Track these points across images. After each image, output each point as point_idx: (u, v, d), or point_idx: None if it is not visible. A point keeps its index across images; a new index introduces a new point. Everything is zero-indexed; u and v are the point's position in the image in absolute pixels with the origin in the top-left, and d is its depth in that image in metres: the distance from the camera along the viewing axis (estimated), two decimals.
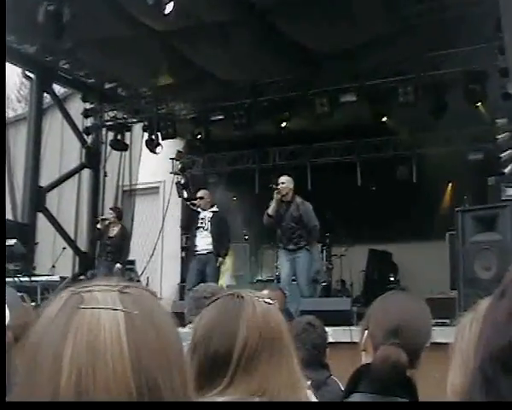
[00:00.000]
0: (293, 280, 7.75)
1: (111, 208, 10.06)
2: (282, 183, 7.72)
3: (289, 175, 7.92)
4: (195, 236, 8.53)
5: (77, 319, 0.68)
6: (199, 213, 8.60)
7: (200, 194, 8.76)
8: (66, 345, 0.66)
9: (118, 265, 9.34)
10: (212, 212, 8.55)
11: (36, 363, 0.66)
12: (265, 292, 4.62)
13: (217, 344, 1.21)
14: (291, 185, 7.74)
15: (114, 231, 9.55)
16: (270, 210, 7.67)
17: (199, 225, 8.51)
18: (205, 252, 8.32)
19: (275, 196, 7.65)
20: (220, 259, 8.37)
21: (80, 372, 0.64)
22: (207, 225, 8.47)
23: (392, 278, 10.76)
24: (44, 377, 0.65)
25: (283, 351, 1.21)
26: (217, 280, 8.06)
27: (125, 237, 9.72)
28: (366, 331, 1.67)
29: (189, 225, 8.99)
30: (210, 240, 8.34)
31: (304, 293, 7.53)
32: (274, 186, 7.70)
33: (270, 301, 1.28)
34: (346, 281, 10.63)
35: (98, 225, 9.55)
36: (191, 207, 8.76)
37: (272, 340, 1.21)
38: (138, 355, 0.66)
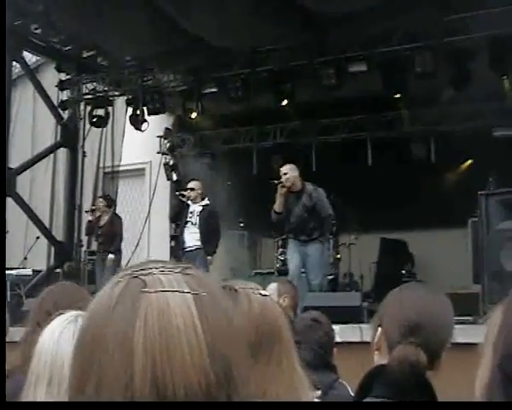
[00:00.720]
0: (303, 273, 7.79)
1: (100, 196, 10.21)
2: (285, 173, 7.69)
3: (291, 162, 7.89)
4: (183, 231, 8.64)
5: (143, 304, 0.68)
6: (188, 205, 8.71)
7: (190, 185, 8.83)
8: (137, 332, 0.67)
9: (110, 256, 9.47)
10: (203, 205, 8.65)
11: (100, 354, 0.67)
12: (274, 285, 4.62)
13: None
14: (295, 173, 7.71)
15: (104, 219, 9.67)
16: (277, 206, 7.65)
17: (188, 219, 8.60)
18: (194, 248, 8.44)
19: (279, 190, 7.60)
20: (209, 258, 8.45)
21: (155, 360, 0.65)
22: (196, 219, 8.57)
23: (406, 271, 10.80)
24: (114, 368, 0.65)
25: (283, 349, 1.23)
26: None
27: (116, 225, 9.86)
28: (379, 329, 1.68)
29: (177, 217, 9.02)
30: (199, 236, 8.46)
31: (314, 288, 7.59)
32: (275, 182, 7.65)
33: (266, 294, 1.28)
34: (354, 273, 10.68)
35: (89, 217, 9.75)
36: (180, 198, 8.80)
37: (271, 337, 1.23)
38: (213, 340, 0.68)
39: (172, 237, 11.71)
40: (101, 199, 10.02)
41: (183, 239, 8.64)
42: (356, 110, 10.91)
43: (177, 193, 8.90)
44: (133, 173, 12.76)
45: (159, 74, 10.96)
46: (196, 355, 0.66)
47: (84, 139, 11.29)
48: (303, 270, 7.84)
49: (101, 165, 11.55)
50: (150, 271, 0.71)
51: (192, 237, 8.50)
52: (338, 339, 5.78)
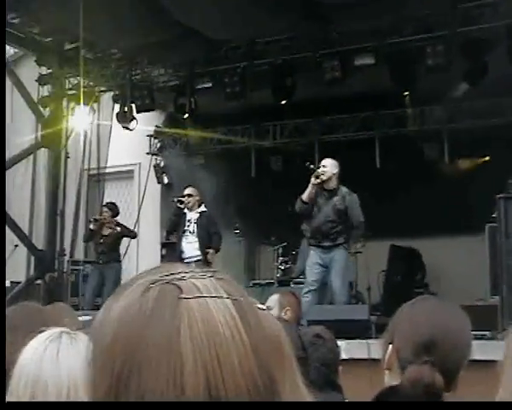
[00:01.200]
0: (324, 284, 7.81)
1: (104, 205, 10.38)
2: (324, 166, 7.78)
3: (334, 158, 7.98)
4: (181, 240, 8.85)
5: (184, 310, 0.70)
6: (184, 214, 8.91)
7: (187, 191, 8.99)
8: (183, 340, 0.69)
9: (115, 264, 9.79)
10: (199, 212, 8.86)
11: (139, 360, 0.68)
12: (275, 297, 4.62)
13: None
14: (335, 170, 7.78)
15: (109, 230, 9.89)
16: (306, 195, 7.72)
17: (185, 227, 8.85)
18: (194, 259, 8.62)
19: (312, 179, 7.67)
20: (211, 251, 8.64)
21: (206, 369, 0.68)
22: (194, 227, 8.80)
23: (418, 281, 10.79)
24: (161, 379, 0.67)
25: (285, 366, 1.21)
26: None
27: (120, 235, 10.05)
28: (390, 346, 1.67)
29: (175, 227, 9.15)
30: (197, 245, 8.69)
31: (339, 299, 7.60)
32: (312, 166, 7.76)
33: (263, 307, 1.28)
34: (361, 284, 10.65)
35: (91, 226, 9.97)
36: (178, 205, 8.93)
37: (271, 352, 1.21)
38: (257, 347, 0.71)
39: (163, 245, 11.69)
40: (105, 209, 10.18)
41: (181, 249, 8.84)
42: (363, 107, 10.93)
43: (174, 200, 8.97)
44: (121, 176, 12.75)
45: (148, 68, 10.97)
46: (245, 363, 0.70)
47: (67, 139, 11.27)
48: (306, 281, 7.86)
49: (86, 167, 11.54)
50: (182, 276, 0.74)
51: (191, 247, 8.73)
52: (344, 356, 5.77)
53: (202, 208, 8.93)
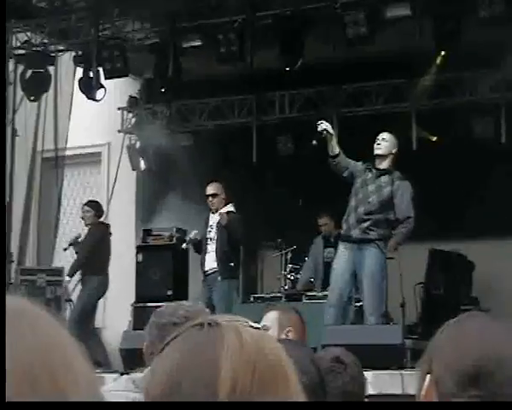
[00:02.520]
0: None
1: (86, 204, 10.58)
2: (384, 139, 8.12)
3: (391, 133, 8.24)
4: (206, 250, 9.45)
5: None
6: (207, 217, 9.52)
7: (210, 190, 9.41)
8: None
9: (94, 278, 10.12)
10: (226, 213, 9.35)
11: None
12: (273, 315, 4.60)
13: (190, 395, 1.23)
14: (394, 149, 8.12)
15: (84, 234, 10.30)
16: (330, 148, 8.04)
17: (207, 235, 9.45)
18: (211, 271, 9.30)
19: (328, 138, 7.95)
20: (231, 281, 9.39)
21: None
22: (215, 233, 9.38)
23: (465, 295, 10.78)
24: None
25: (290, 393, 1.24)
26: (227, 309, 8.74)
27: (95, 238, 10.30)
28: (428, 376, 1.65)
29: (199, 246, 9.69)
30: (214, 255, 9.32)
31: (368, 318, 7.72)
32: (315, 142, 8.04)
33: (259, 326, 1.30)
34: (393, 299, 10.65)
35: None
36: (182, 248, 9.73)
37: (273, 377, 1.24)
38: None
39: (140, 249, 11.69)
40: (86, 207, 10.43)
41: (203, 260, 9.44)
42: (395, 72, 10.91)
43: (183, 246, 9.66)
44: (84, 160, 12.75)
45: (120, 21, 10.95)
46: None
47: (14, 112, 11.21)
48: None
49: (40, 148, 11.54)
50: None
51: (210, 258, 9.34)
52: (371, 391, 5.76)
53: (229, 208, 9.42)
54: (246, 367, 1.23)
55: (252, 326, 1.29)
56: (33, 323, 0.89)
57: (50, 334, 0.91)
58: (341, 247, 8.05)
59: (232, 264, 9.37)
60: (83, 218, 10.47)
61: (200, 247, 9.57)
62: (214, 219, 9.37)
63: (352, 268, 7.80)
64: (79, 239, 10.46)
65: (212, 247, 9.29)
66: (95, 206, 10.52)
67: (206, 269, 9.31)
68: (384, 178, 7.99)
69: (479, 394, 1.57)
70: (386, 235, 7.92)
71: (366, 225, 7.83)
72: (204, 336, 1.28)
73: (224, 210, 9.34)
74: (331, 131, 8.03)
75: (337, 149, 8.05)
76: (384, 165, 8.07)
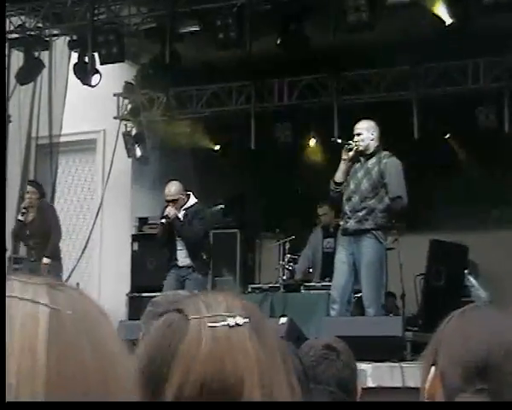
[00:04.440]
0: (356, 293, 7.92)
1: (29, 183, 10.30)
2: (359, 134, 7.97)
3: (370, 119, 8.19)
4: (175, 247, 9.30)
5: None
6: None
7: (170, 196, 9.11)
8: None
9: (44, 260, 9.57)
10: (186, 209, 9.15)
11: None
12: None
13: (153, 380, 1.27)
14: (373, 134, 7.99)
15: (32, 213, 9.78)
16: (339, 175, 7.92)
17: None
18: (183, 265, 9.18)
19: (344, 154, 7.85)
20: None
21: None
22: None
23: (468, 287, 10.79)
24: None
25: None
26: None
27: (48, 217, 9.90)
28: (433, 369, 1.64)
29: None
30: (185, 251, 9.18)
31: (368, 310, 7.68)
32: (339, 141, 7.96)
33: (241, 322, 1.28)
34: (393, 290, 10.66)
35: (19, 216, 9.89)
36: (162, 224, 9.23)
37: (225, 391, 1.23)
38: None
39: (135, 238, 11.70)
40: (30, 187, 10.09)
41: (174, 255, 9.32)
42: (396, 58, 10.88)
43: (160, 222, 9.26)
44: (79, 147, 12.73)
45: (116, 5, 10.91)
46: None
47: (8, 98, 11.21)
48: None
49: (34, 134, 11.52)
50: None
51: (181, 254, 9.21)
52: (370, 383, 5.73)
53: (190, 202, 9.22)
54: (195, 372, 1.23)
55: (229, 324, 1.28)
56: (93, 338, 0.84)
57: (109, 352, 0.86)
58: (340, 241, 8.06)
59: (204, 257, 9.26)
60: (25, 198, 9.97)
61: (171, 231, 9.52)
62: (180, 215, 9.23)
63: (351, 261, 7.76)
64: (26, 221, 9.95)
65: (181, 243, 9.19)
66: (38, 187, 10.20)
67: (181, 265, 9.19)
68: (371, 161, 7.87)
69: (485, 387, 1.56)
70: (384, 223, 7.82)
71: (361, 214, 7.74)
72: (171, 327, 1.31)
73: (187, 205, 9.19)
74: (361, 149, 7.88)
75: (342, 178, 7.91)
76: (370, 150, 7.93)
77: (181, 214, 9.11)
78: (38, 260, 9.66)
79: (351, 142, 7.85)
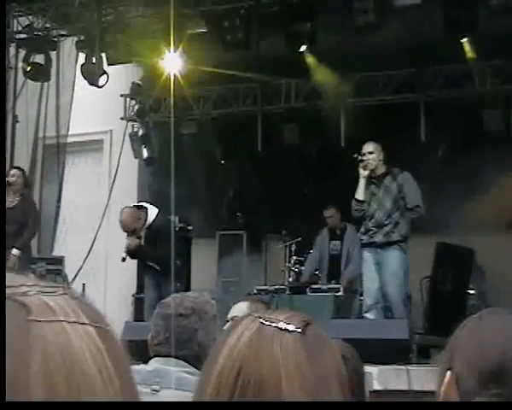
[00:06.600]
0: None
1: (15, 167, 10.11)
2: (370, 152, 8.28)
3: (375, 141, 8.46)
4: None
5: (35, 340, 0.73)
6: None
7: (125, 226, 9.02)
8: (33, 382, 0.71)
9: (14, 250, 9.38)
10: (148, 227, 9.03)
11: None
12: (243, 305, 4.67)
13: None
14: (381, 156, 8.33)
15: (15, 201, 9.57)
16: (361, 193, 8.31)
17: None
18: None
19: (362, 172, 8.22)
20: None
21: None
22: None
23: (475, 290, 10.76)
24: None
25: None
26: None
27: (29, 210, 9.77)
28: (448, 373, 1.63)
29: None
30: None
31: (397, 315, 7.91)
32: (359, 157, 8.22)
33: (290, 328, 1.32)
34: None
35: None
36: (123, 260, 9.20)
37: (263, 390, 1.26)
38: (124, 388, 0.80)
39: None
40: (16, 171, 9.86)
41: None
42: (404, 61, 10.87)
43: (123, 256, 9.14)
44: (87, 147, 12.75)
45: (123, 6, 10.94)
46: None
47: (15, 98, 11.22)
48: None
49: (41, 134, 11.51)
50: (26, 290, 0.75)
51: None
52: (376, 386, 5.71)
53: (150, 217, 9.12)
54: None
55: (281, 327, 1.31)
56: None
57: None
58: (366, 251, 8.37)
59: (178, 262, 9.21)
60: (10, 183, 9.64)
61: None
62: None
63: (378, 269, 8.18)
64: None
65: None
66: (24, 173, 10.00)
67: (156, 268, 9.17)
68: (386, 179, 8.29)
69: (500, 392, 1.55)
70: (407, 235, 8.32)
71: (388, 228, 8.19)
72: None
73: (149, 221, 9.02)
74: (371, 168, 8.21)
75: (363, 196, 8.29)
76: (379, 171, 8.32)
77: (143, 233, 9.02)
78: (7, 248, 9.34)
79: (364, 158, 8.18)
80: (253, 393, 1.31)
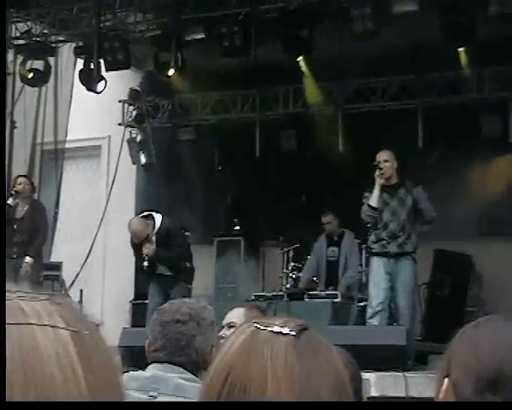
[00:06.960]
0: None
1: (22, 175, 10.12)
2: (386, 161, 8.33)
3: (390, 149, 8.52)
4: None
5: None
6: None
7: (137, 236, 9.14)
8: None
9: (27, 259, 9.45)
10: (156, 233, 9.12)
11: None
12: (239, 311, 4.67)
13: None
14: (395, 165, 8.40)
15: (23, 210, 9.60)
16: (375, 200, 8.34)
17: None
18: (168, 275, 9.24)
19: (378, 180, 8.25)
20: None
21: None
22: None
23: (472, 297, 10.74)
24: None
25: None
26: None
27: (39, 217, 9.81)
28: (446, 380, 1.62)
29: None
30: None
31: (406, 323, 7.88)
32: (378, 164, 8.28)
33: (284, 331, 1.30)
34: None
35: (9, 201, 9.70)
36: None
37: (250, 390, 1.26)
38: (98, 393, 0.81)
39: None
40: (22, 179, 9.91)
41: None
42: (402, 67, 10.87)
43: (145, 264, 9.19)
44: (84, 153, 12.73)
45: (122, 12, 10.93)
46: None
47: (13, 104, 11.20)
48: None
49: (39, 140, 11.50)
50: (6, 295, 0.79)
51: (161, 267, 9.30)
52: (373, 392, 5.70)
53: (157, 224, 9.19)
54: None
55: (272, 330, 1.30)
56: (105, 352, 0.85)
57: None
58: (376, 259, 8.45)
59: (188, 265, 9.31)
60: (18, 191, 9.65)
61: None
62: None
63: (389, 278, 8.23)
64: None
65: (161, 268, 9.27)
66: (28, 179, 10.10)
67: (163, 274, 9.26)
68: (401, 191, 8.38)
69: (497, 399, 1.54)
70: (417, 246, 8.39)
71: (401, 239, 8.28)
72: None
73: (157, 228, 9.10)
74: (386, 176, 8.28)
75: (377, 204, 8.33)
76: (393, 180, 8.38)
77: (154, 239, 9.11)
78: (20, 257, 9.52)
79: (381, 166, 8.24)
80: (238, 395, 1.30)
